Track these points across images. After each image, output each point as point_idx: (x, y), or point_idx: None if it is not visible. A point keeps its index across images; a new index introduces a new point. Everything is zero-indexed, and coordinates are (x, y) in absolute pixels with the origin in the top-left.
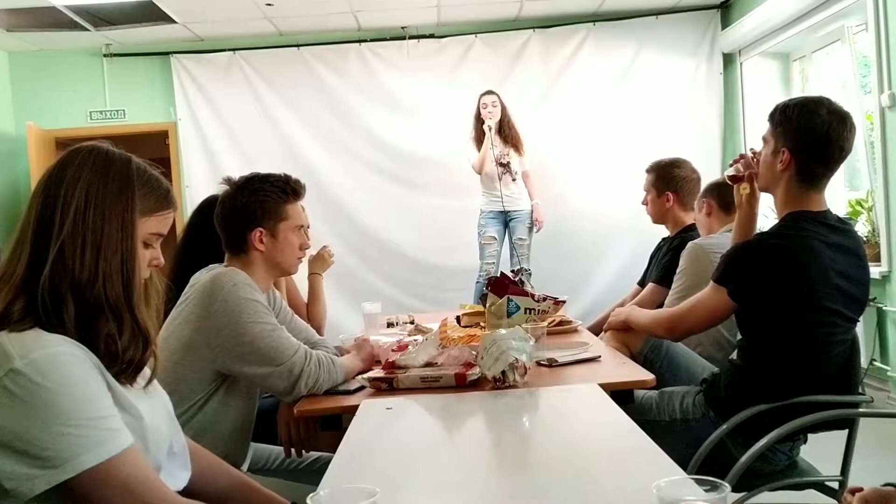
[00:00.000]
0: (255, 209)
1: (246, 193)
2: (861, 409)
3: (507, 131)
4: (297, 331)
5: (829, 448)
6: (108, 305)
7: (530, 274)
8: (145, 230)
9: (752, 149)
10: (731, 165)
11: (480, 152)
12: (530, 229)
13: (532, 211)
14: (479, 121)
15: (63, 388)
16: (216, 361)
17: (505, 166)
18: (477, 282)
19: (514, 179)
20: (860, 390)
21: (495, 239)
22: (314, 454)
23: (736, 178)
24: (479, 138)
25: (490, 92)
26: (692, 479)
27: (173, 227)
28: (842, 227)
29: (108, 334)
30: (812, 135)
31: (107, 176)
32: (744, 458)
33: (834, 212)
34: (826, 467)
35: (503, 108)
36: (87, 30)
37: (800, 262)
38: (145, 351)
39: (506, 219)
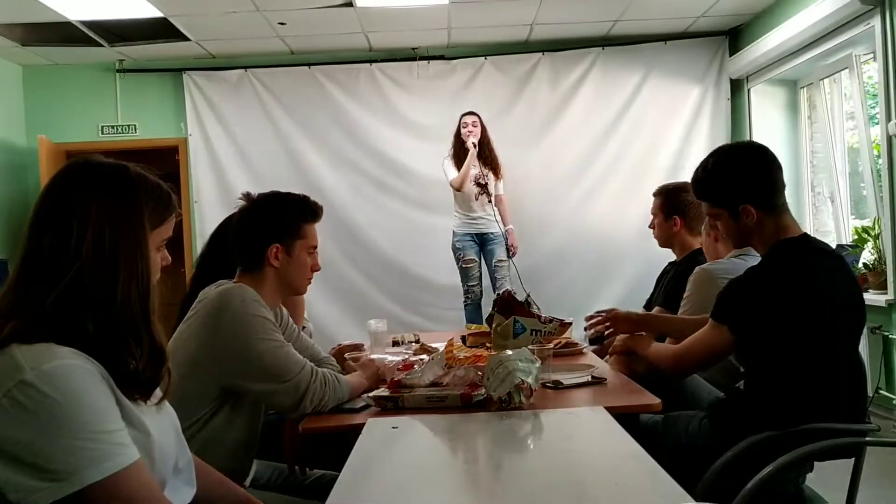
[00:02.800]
0: (274, 225)
1: (266, 209)
2: (868, 438)
3: (486, 153)
4: (303, 348)
5: (835, 477)
6: (128, 328)
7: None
8: (158, 239)
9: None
10: (588, 340)
11: (462, 169)
12: (508, 250)
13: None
14: (459, 140)
15: (72, 400)
16: (222, 377)
17: (483, 187)
18: (466, 305)
19: (490, 201)
20: (866, 418)
21: (475, 261)
22: (318, 472)
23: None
24: (457, 157)
25: (471, 112)
26: None
27: (178, 227)
28: (826, 249)
29: (128, 355)
30: (746, 178)
31: (114, 199)
32: (749, 486)
33: (825, 237)
34: (832, 496)
35: (483, 130)
36: (102, 45)
37: (794, 287)
38: (161, 367)
39: (481, 240)
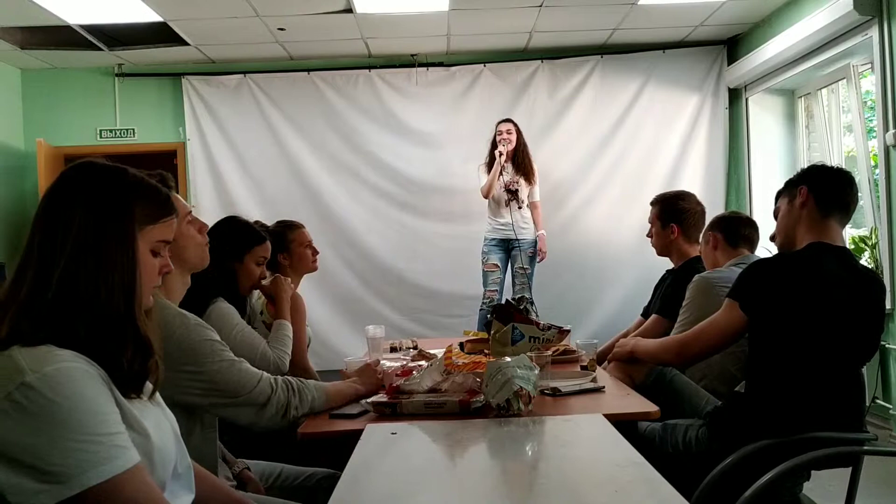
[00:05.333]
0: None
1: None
2: (866, 447)
3: (520, 159)
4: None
5: (832, 486)
6: (114, 321)
7: (532, 303)
8: (151, 239)
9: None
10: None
11: (488, 177)
12: (532, 259)
13: (536, 241)
14: (494, 147)
15: (73, 403)
16: (176, 394)
17: (513, 193)
18: (480, 309)
19: (520, 208)
20: (863, 428)
21: (498, 266)
22: (310, 470)
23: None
24: (492, 164)
25: (507, 120)
26: None
27: None
28: (861, 269)
29: (115, 348)
30: (818, 171)
31: (102, 193)
32: (747, 494)
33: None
34: None
35: (519, 137)
36: (101, 49)
37: (815, 286)
38: (148, 359)
39: (508, 246)
